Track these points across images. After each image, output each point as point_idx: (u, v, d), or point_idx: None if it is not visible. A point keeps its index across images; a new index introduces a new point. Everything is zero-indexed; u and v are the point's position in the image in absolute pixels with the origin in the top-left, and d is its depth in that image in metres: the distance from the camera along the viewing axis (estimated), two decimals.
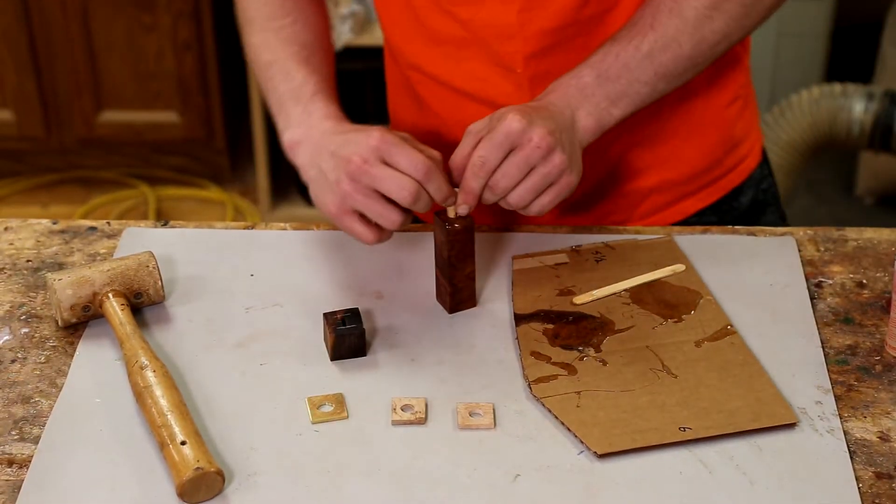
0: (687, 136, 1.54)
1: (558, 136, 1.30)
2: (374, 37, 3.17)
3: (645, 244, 1.47)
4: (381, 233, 1.30)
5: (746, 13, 1.39)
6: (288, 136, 1.38)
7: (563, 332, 1.34)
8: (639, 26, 1.38)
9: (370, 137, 1.28)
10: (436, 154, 1.31)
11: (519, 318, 1.36)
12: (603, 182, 1.55)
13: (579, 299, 1.38)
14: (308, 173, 1.34)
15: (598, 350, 1.32)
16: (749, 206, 1.61)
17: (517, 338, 1.34)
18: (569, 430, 1.22)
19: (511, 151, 1.29)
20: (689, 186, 1.57)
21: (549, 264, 1.44)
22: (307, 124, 1.37)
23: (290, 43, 1.49)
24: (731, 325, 1.35)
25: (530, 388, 1.27)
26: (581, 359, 1.31)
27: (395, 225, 1.28)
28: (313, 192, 1.33)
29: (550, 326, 1.35)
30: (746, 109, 1.59)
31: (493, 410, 1.24)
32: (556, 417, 1.24)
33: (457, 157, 1.32)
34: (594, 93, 1.36)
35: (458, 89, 1.49)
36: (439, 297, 1.39)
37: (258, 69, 1.51)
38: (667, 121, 1.52)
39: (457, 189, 1.32)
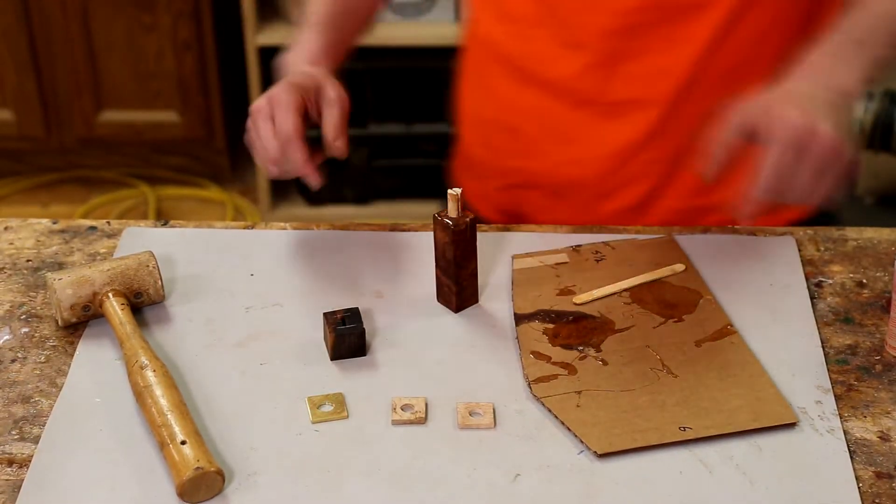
0: (760, 152, 1.50)
1: (835, 124, 1.23)
2: (375, 37, 3.15)
3: (645, 244, 1.47)
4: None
5: None
6: (283, 57, 1.52)
7: (563, 332, 1.34)
8: (855, 9, 1.35)
9: (275, 90, 1.40)
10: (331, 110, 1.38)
11: (519, 318, 1.36)
12: (667, 191, 1.53)
13: (579, 299, 1.38)
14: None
15: (598, 350, 1.32)
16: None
17: (517, 337, 1.34)
18: (569, 429, 1.22)
19: (799, 152, 1.22)
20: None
21: (549, 264, 1.44)
22: (294, 51, 1.51)
23: None
24: (732, 325, 1.35)
25: (530, 387, 1.27)
26: (581, 358, 1.31)
27: (270, 154, 1.39)
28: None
29: (550, 326, 1.35)
30: None
31: (493, 410, 1.24)
32: (556, 417, 1.24)
33: (719, 137, 1.26)
34: (844, 53, 1.30)
35: (524, 69, 1.49)
36: (441, 297, 1.39)
37: None
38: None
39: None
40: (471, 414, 1.24)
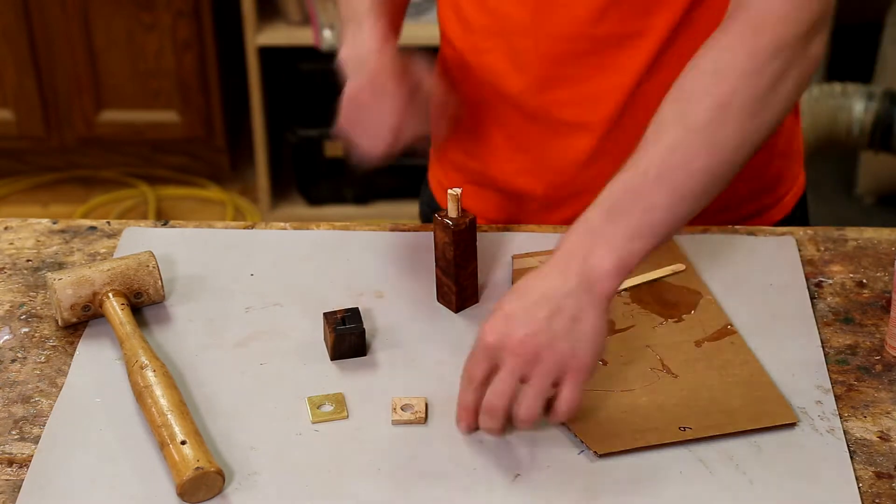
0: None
1: (548, 321, 1.16)
2: None
3: None
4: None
5: (762, 106, 1.21)
6: (342, 54, 1.45)
7: None
8: (644, 146, 1.22)
9: (371, 74, 1.39)
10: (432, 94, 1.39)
11: None
12: None
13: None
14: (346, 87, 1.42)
15: None
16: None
17: None
18: (569, 429, 1.22)
19: (496, 367, 1.18)
20: (719, 217, 1.53)
21: None
22: (353, 44, 1.44)
23: None
24: (732, 325, 1.35)
25: None
26: None
27: (375, 152, 1.39)
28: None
29: None
30: (785, 157, 1.56)
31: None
32: None
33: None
34: (606, 232, 1.19)
35: (481, 79, 1.49)
36: (441, 297, 1.39)
37: None
38: None
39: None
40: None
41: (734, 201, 1.52)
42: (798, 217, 1.60)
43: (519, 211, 1.56)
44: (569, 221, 1.47)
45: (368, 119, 1.39)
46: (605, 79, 1.43)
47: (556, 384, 1.17)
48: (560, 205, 1.52)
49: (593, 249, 1.18)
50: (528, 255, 1.45)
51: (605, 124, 1.44)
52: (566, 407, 1.17)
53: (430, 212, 1.52)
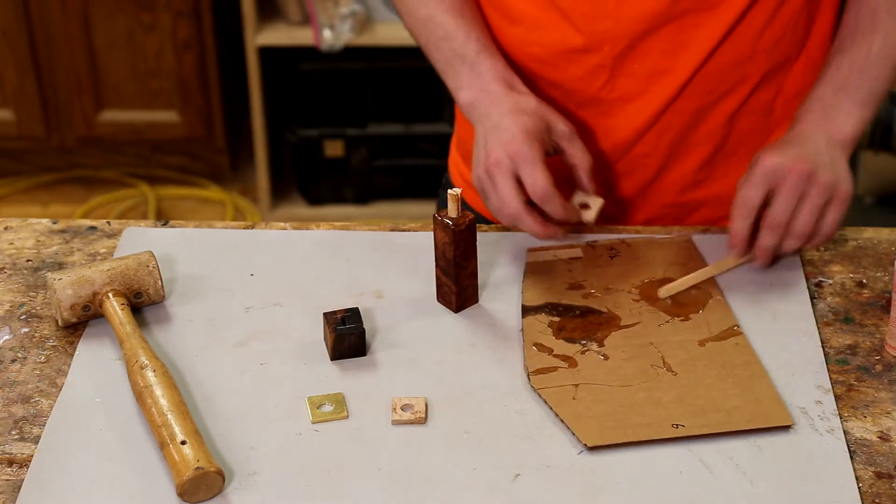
0: (748, 155, 1.52)
1: (814, 157, 1.37)
2: (375, 36, 3.17)
3: (661, 242, 1.47)
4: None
5: None
6: (462, 98, 1.45)
7: (568, 326, 1.35)
8: (861, 32, 1.44)
9: (512, 140, 1.35)
10: (579, 161, 1.40)
11: (526, 310, 1.37)
12: (657, 186, 1.54)
13: (664, 292, 1.40)
14: (476, 136, 1.41)
15: (600, 344, 1.32)
16: None
17: (522, 329, 1.34)
18: (562, 421, 1.22)
19: (774, 190, 1.36)
20: (720, 209, 1.56)
21: (563, 258, 1.44)
22: (478, 86, 1.43)
23: None
24: (738, 327, 1.35)
25: (528, 378, 1.27)
26: (583, 352, 1.31)
27: (509, 220, 1.36)
28: (474, 151, 1.40)
29: (556, 319, 1.36)
30: None
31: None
32: (551, 408, 1.24)
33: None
34: (839, 105, 1.42)
35: (524, 70, 1.50)
36: (441, 297, 1.39)
37: (414, 23, 1.52)
38: (735, 135, 1.52)
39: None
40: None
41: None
42: None
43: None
44: (612, 208, 1.56)
45: (506, 188, 1.36)
46: (676, 53, 1.45)
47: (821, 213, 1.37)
48: (604, 189, 1.53)
49: (832, 121, 1.42)
50: (542, 248, 1.46)
51: (666, 98, 1.47)
52: (831, 229, 1.38)
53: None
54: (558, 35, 1.46)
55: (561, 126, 1.40)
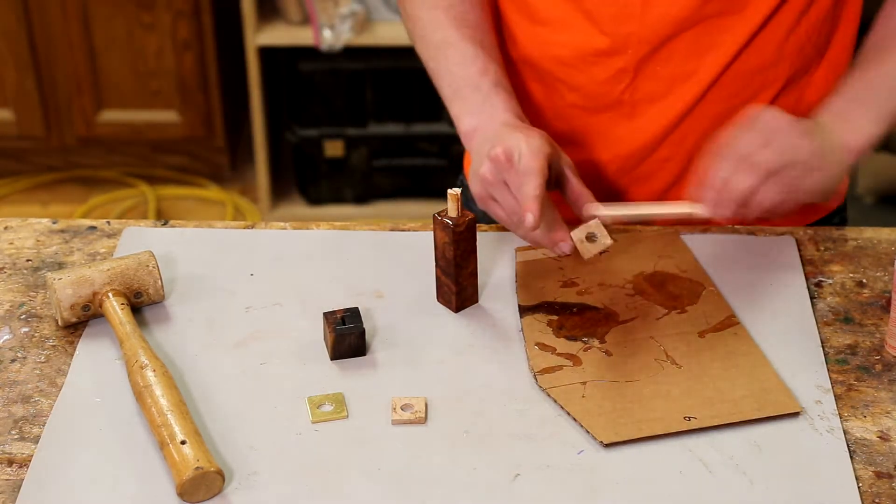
0: None
1: (807, 146, 1.33)
2: (375, 36, 3.17)
3: (648, 236, 1.47)
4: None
5: None
6: (466, 124, 1.40)
7: (567, 323, 1.35)
8: (883, 49, 1.43)
9: (518, 146, 1.30)
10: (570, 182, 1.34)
11: (523, 310, 1.37)
12: (678, 189, 1.54)
13: (595, 209, 1.31)
14: (474, 159, 1.37)
15: (602, 341, 1.33)
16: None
17: (521, 329, 1.34)
18: (574, 420, 1.22)
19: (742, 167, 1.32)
20: None
21: (552, 256, 1.44)
22: (488, 115, 1.39)
23: (461, 24, 1.47)
24: (734, 316, 1.35)
25: (535, 378, 1.28)
26: (585, 349, 1.31)
27: (522, 228, 1.30)
28: (471, 171, 1.36)
29: (555, 318, 1.36)
30: None
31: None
32: (562, 408, 1.24)
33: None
34: (850, 117, 1.39)
35: (545, 72, 1.50)
36: (441, 297, 1.39)
37: (426, 46, 1.49)
38: None
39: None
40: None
41: None
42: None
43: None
44: None
45: (494, 206, 1.33)
46: (701, 56, 1.45)
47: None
48: (623, 194, 1.53)
49: (842, 128, 1.37)
50: (531, 247, 1.46)
51: (689, 102, 1.47)
52: (769, 205, 1.32)
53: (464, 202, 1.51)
54: (583, 37, 1.46)
55: (567, 158, 1.35)
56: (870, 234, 1.50)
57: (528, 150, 1.29)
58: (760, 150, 1.31)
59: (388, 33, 3.14)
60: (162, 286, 1.38)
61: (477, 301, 1.39)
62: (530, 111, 1.52)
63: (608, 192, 1.54)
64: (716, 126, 1.47)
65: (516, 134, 1.32)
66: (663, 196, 1.54)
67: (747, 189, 1.31)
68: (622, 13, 1.43)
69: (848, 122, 1.38)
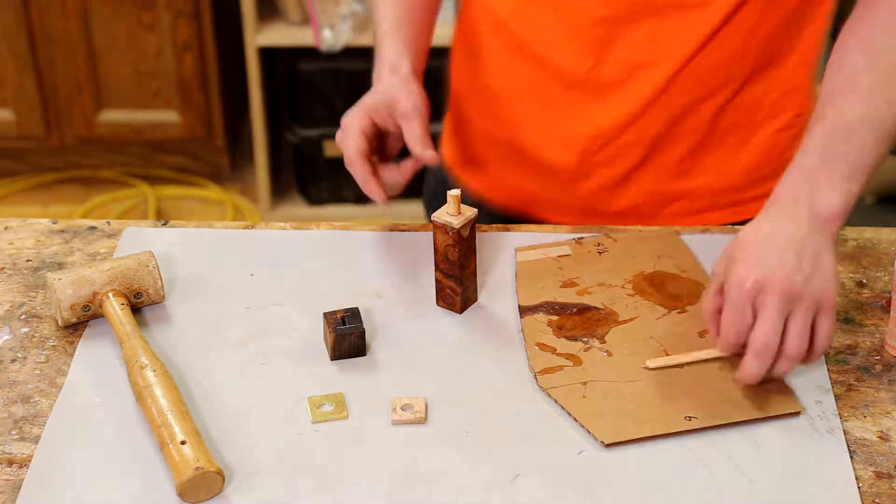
0: (733, 149, 1.54)
1: (796, 261, 1.21)
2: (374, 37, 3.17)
3: (647, 236, 1.48)
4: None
5: None
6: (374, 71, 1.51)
7: (567, 324, 1.35)
8: (841, 94, 1.30)
9: (350, 112, 1.45)
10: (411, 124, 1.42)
11: (523, 310, 1.37)
12: (640, 173, 1.55)
13: (653, 362, 1.30)
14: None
15: (602, 341, 1.33)
16: None
17: (521, 329, 1.34)
18: (575, 420, 1.23)
19: (756, 309, 1.21)
20: (720, 200, 1.57)
21: (552, 256, 1.44)
22: (377, 69, 1.50)
23: None
24: None
25: (535, 378, 1.28)
26: (586, 350, 1.31)
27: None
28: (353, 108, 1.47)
29: (555, 318, 1.36)
30: (798, 142, 1.58)
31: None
32: (563, 408, 1.24)
33: (703, 302, 1.27)
34: (823, 176, 1.26)
35: (521, 44, 1.51)
36: (441, 301, 1.39)
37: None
38: (721, 129, 1.53)
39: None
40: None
41: (741, 183, 1.56)
42: None
43: (545, 182, 1.57)
44: (595, 194, 1.57)
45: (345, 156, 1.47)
46: (662, 46, 1.46)
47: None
48: (589, 174, 1.55)
49: (817, 193, 1.26)
50: (531, 247, 1.46)
51: (653, 91, 1.48)
52: (826, 341, 1.22)
53: (441, 189, 1.52)
54: (546, 11, 1.48)
55: (404, 106, 1.42)
56: (870, 234, 1.50)
57: (353, 113, 1.44)
58: (766, 334, 1.21)
59: None
60: (162, 286, 1.38)
61: (477, 300, 1.40)
62: (503, 79, 1.55)
63: (572, 173, 1.55)
64: (680, 116, 1.50)
65: (367, 99, 1.45)
66: (625, 179, 1.56)
67: (771, 329, 1.21)
68: None
69: (821, 189, 1.26)
